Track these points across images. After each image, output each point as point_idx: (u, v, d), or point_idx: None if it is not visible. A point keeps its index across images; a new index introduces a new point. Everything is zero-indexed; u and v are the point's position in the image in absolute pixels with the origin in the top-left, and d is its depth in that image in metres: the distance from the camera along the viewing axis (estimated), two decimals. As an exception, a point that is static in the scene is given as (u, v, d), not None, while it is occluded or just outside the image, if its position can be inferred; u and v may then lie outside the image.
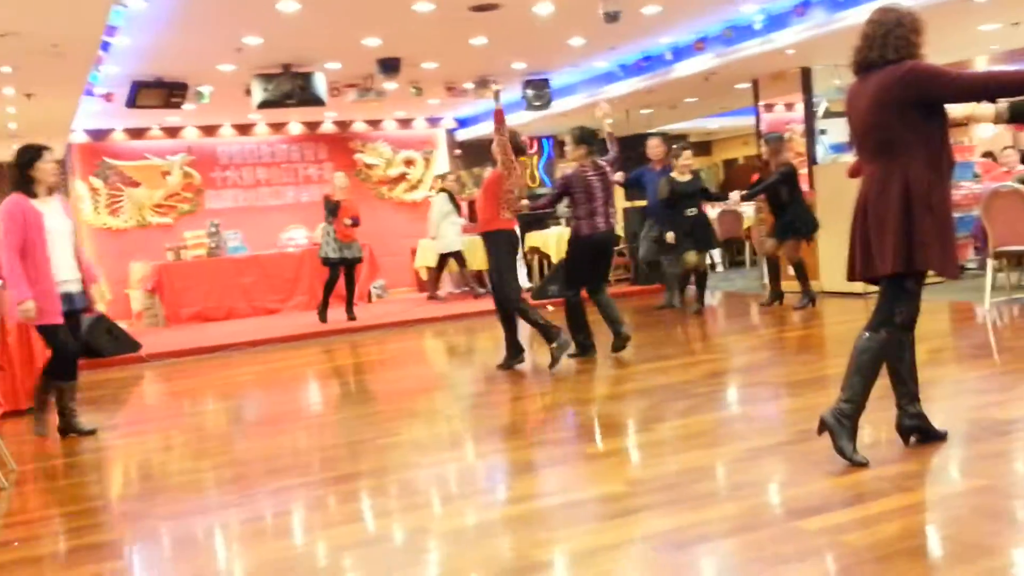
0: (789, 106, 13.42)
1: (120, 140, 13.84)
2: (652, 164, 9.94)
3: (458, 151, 15.89)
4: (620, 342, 7.23)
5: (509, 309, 6.99)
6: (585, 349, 7.28)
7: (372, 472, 4.51)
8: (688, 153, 9.39)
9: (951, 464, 3.88)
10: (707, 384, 5.92)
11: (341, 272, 10.93)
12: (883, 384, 3.88)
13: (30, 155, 5.64)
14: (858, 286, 8.29)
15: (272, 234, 14.15)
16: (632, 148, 12.61)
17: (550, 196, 7.78)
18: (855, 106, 3.87)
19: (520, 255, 10.10)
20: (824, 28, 9.15)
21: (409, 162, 15.80)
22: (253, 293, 12.97)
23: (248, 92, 10.55)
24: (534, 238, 12.97)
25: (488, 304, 7.49)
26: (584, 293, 7.34)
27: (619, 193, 8.85)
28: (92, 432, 5.94)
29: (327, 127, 15.08)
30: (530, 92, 12.08)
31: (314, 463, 4.91)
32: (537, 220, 12.78)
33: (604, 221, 7.19)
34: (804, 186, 9.59)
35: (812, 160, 11.47)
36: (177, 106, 10.67)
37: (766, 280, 9.90)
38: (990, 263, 7.88)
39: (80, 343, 6.19)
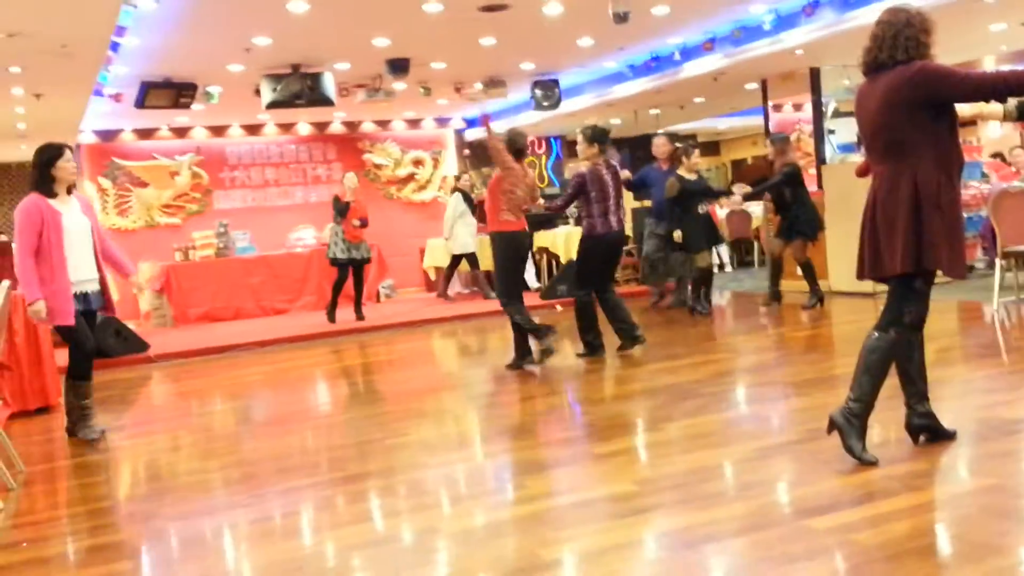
0: (798, 106, 13.41)
1: (129, 140, 13.87)
2: (658, 163, 9.91)
3: (467, 151, 15.90)
4: (629, 343, 7.23)
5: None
6: (594, 349, 7.28)
7: (381, 472, 4.52)
8: (697, 153, 9.38)
9: (960, 463, 3.87)
10: (716, 384, 5.91)
11: (350, 272, 10.96)
12: (892, 383, 3.88)
13: (51, 154, 5.56)
14: (867, 285, 8.29)
15: (280, 234, 14.14)
16: (641, 148, 12.60)
17: (567, 195, 7.54)
18: (864, 107, 3.87)
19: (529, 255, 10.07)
20: (833, 28, 9.13)
21: (418, 162, 15.79)
22: (261, 293, 12.98)
23: (257, 92, 10.58)
24: (543, 238, 12.92)
25: (497, 304, 7.49)
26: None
27: (627, 194, 8.86)
28: (96, 440, 5.75)
29: (336, 127, 15.09)
30: (539, 92, 12.09)
31: (322, 463, 4.92)
32: (546, 220, 12.75)
33: (617, 220, 7.19)
34: (812, 186, 9.57)
35: (820, 160, 11.47)
36: (186, 106, 10.67)
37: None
38: (998, 263, 7.86)
39: (95, 343, 6.16)
